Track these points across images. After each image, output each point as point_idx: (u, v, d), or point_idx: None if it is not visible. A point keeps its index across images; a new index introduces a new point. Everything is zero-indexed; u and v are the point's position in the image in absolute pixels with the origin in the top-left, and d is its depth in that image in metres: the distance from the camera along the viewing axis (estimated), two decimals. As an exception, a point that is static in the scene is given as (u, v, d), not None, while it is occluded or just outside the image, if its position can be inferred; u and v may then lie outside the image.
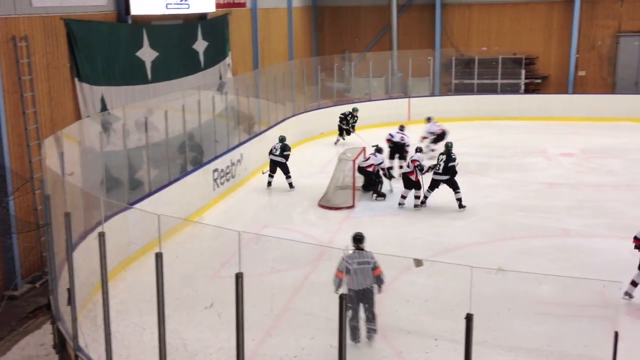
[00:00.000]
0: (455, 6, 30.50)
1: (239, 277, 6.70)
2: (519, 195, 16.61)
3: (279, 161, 17.34)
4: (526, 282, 11.09)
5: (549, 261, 12.40)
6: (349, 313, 9.19)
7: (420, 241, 13.60)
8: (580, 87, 29.20)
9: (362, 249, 9.48)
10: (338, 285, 9.32)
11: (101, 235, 7.91)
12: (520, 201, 16.08)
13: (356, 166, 16.54)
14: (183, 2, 18.87)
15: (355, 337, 9.36)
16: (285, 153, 17.36)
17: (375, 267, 9.27)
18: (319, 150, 21.71)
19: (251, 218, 15.29)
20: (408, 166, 15.91)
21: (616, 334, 6.11)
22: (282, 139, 17.64)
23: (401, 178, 16.03)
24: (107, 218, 10.84)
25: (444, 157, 15.59)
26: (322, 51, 32.09)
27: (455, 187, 15.58)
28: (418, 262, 7.47)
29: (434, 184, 15.67)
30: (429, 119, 20.67)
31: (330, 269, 11.43)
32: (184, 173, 14.86)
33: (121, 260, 11.84)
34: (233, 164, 17.17)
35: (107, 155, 12.66)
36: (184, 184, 14.58)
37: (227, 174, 16.79)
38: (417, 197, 15.73)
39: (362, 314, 9.37)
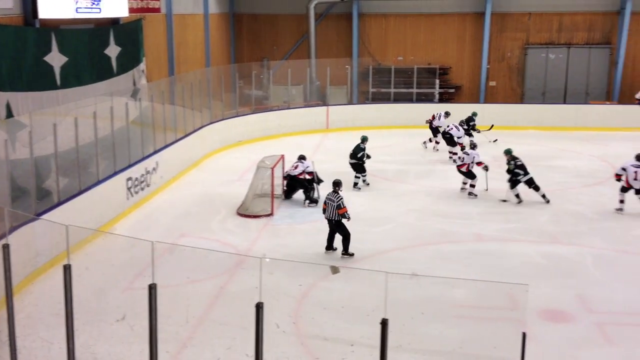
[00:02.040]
0: (372, 16, 30.93)
1: (152, 288, 6.58)
2: (436, 201, 16.92)
3: (352, 163, 17.90)
4: (440, 287, 11.33)
5: (463, 266, 12.67)
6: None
7: (339, 248, 13.62)
8: (491, 97, 30.11)
9: (337, 192, 12.83)
10: (324, 212, 13.05)
11: (5, 247, 7.64)
12: (437, 207, 16.40)
13: (285, 175, 16.72)
14: (94, 6, 18.37)
15: (328, 248, 13.15)
16: (358, 155, 17.79)
17: (339, 207, 12.71)
18: (236, 158, 21.53)
19: (167, 227, 14.97)
20: (461, 159, 17.55)
21: (524, 335, 6.28)
22: (363, 139, 18.13)
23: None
24: (12, 229, 10.48)
25: (513, 162, 16.97)
26: (240, 58, 31.93)
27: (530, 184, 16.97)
28: (334, 269, 7.65)
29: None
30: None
31: (248, 278, 11.45)
32: (96, 182, 14.43)
33: (28, 273, 11.36)
34: (148, 172, 16.79)
35: (13, 163, 12.16)
36: (96, 193, 14.15)
37: (142, 182, 16.42)
38: (472, 186, 17.32)
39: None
